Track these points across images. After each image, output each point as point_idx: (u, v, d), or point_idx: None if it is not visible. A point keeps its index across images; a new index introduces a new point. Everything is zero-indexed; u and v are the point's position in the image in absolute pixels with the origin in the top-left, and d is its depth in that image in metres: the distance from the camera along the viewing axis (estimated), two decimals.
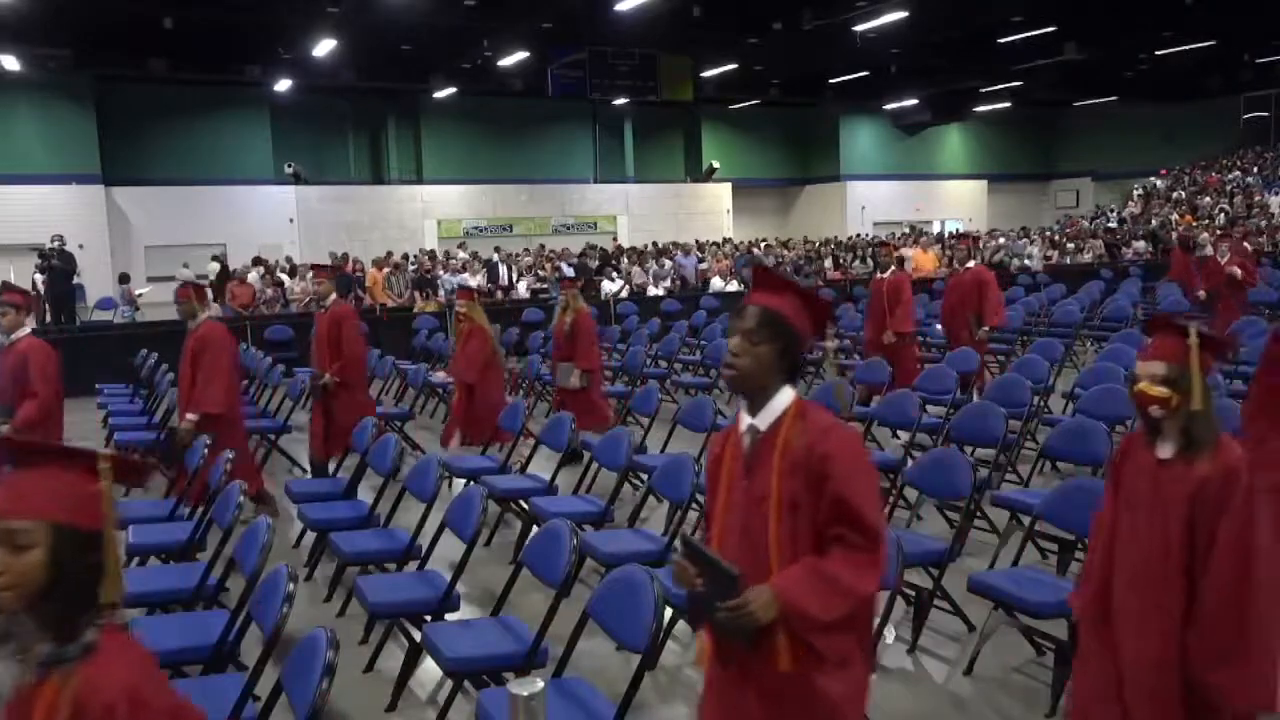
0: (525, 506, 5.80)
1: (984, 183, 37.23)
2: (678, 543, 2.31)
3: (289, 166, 27.65)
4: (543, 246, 23.55)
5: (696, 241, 24.65)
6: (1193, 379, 2.78)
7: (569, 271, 19.16)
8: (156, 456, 7.00)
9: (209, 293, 8.63)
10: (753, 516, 2.34)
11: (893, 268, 9.59)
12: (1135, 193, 31.68)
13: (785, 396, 2.35)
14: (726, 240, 25.94)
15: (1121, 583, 2.89)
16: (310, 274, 8.10)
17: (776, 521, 2.30)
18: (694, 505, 5.21)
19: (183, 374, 6.51)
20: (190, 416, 6.29)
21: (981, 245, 23.30)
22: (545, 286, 18.05)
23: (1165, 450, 2.84)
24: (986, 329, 8.82)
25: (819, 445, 2.27)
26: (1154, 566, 2.80)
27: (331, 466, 7.09)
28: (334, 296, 7.55)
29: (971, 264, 9.11)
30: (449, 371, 8.34)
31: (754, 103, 32.07)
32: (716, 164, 33.33)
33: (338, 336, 7.20)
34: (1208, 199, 28.52)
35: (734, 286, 17.95)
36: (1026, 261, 21.14)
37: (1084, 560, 3.16)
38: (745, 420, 2.40)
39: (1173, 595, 2.76)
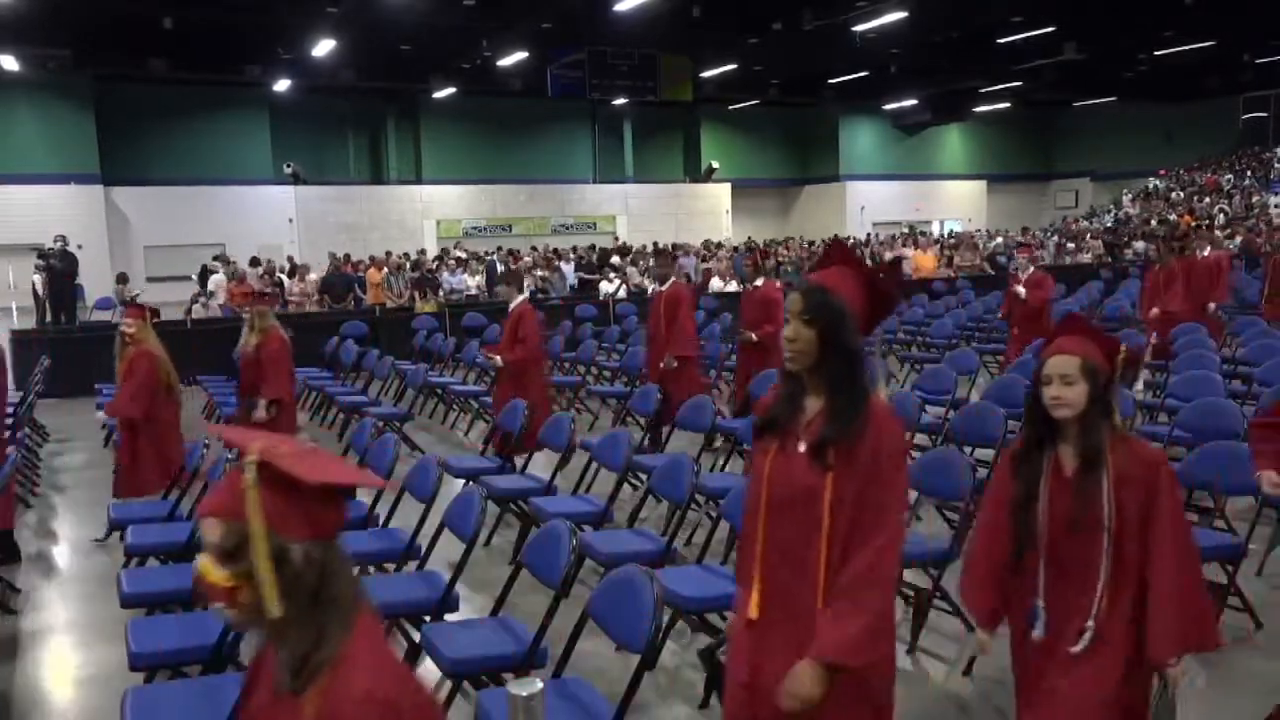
0: (524, 507, 5.80)
1: (983, 183, 37.25)
2: None
3: (288, 166, 27.67)
4: (550, 247, 23.59)
5: (706, 242, 24.66)
6: (252, 542, 1.52)
7: (568, 271, 19.17)
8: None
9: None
10: None
11: (671, 278, 8.55)
12: (1125, 196, 31.71)
13: None
14: (729, 240, 25.98)
15: None
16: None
17: None
18: (693, 505, 5.22)
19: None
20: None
21: (981, 245, 23.32)
22: (546, 288, 18.05)
23: None
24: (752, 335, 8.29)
25: None
26: None
27: None
28: None
29: (760, 281, 8.65)
30: (108, 410, 6.44)
31: (754, 103, 32.08)
32: (716, 164, 33.34)
33: None
34: (1207, 199, 28.54)
35: (734, 286, 17.95)
36: (1001, 257, 21.07)
37: None
38: None
39: None
